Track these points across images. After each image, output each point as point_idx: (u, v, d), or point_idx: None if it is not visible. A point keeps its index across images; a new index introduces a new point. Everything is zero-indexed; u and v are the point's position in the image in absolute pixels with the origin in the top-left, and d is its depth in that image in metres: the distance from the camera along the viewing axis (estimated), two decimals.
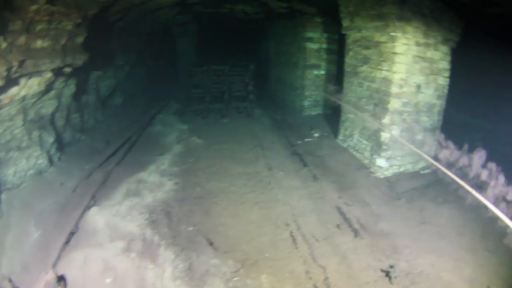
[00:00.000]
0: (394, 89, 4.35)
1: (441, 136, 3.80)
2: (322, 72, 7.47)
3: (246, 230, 3.46)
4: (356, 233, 3.46)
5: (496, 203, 2.80)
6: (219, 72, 8.05)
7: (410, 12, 4.08)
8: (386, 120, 4.47)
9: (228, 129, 6.74)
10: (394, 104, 4.42)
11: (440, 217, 3.73)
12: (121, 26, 6.01)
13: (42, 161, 4.23)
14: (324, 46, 7.32)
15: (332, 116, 6.55)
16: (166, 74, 10.26)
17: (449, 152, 3.59)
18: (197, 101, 7.88)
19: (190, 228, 3.37)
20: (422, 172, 4.75)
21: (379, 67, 4.58)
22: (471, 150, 3.37)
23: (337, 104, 5.79)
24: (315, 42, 7.26)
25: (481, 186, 3.03)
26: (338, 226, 3.59)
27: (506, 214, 2.53)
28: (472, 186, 2.99)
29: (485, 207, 2.58)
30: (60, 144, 4.78)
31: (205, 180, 4.41)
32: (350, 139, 5.44)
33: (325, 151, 5.51)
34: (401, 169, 4.75)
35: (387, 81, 4.43)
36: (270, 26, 9.60)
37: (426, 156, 3.79)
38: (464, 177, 3.27)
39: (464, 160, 3.33)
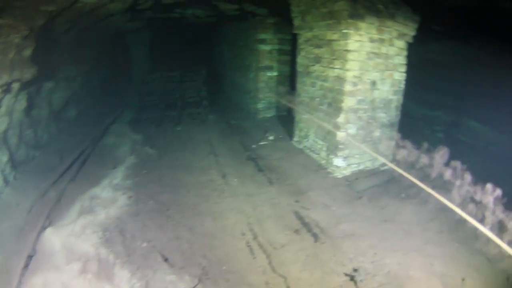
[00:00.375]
0: (347, 87, 4.25)
1: (398, 136, 3.73)
2: (275, 73, 7.37)
3: (201, 243, 3.24)
4: (316, 237, 3.29)
5: (463, 204, 2.70)
6: (171, 79, 7.85)
7: (363, 8, 4.02)
8: (340, 119, 4.37)
9: (181, 136, 6.47)
10: (348, 102, 4.33)
11: (404, 213, 3.66)
12: (71, 35, 5.64)
13: None
14: (277, 47, 7.22)
15: (287, 118, 6.46)
16: (120, 82, 9.87)
17: (407, 152, 3.51)
18: (151, 109, 7.63)
19: (145, 245, 3.15)
20: (382, 168, 4.71)
21: (331, 66, 4.48)
22: (434, 145, 3.29)
23: (291, 106, 5.69)
24: (268, 44, 7.15)
25: (445, 187, 2.93)
26: (296, 231, 3.39)
27: (475, 216, 2.41)
28: (435, 187, 2.88)
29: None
30: (15, 163, 4.41)
31: (158, 192, 4.16)
32: (306, 140, 5.31)
33: (280, 154, 5.37)
34: (360, 167, 4.68)
35: (340, 79, 4.33)
36: (222, 29, 9.46)
37: (381, 158, 3.72)
38: (426, 177, 3.18)
39: (424, 160, 3.25)
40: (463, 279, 2.71)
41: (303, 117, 5.33)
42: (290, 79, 7.19)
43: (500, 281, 2.78)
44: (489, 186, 2.70)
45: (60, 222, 3.48)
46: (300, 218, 3.63)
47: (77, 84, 6.81)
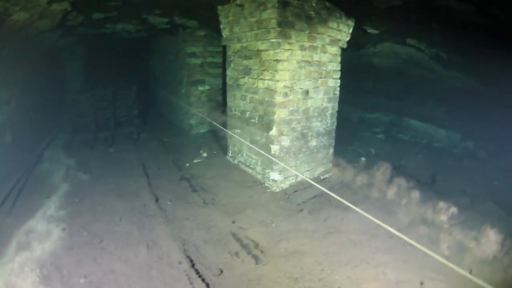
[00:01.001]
0: (278, 99, 4.14)
1: (330, 152, 3.54)
2: (207, 87, 7.20)
3: (138, 275, 2.95)
4: (256, 259, 3.05)
5: (412, 226, 2.53)
6: (103, 98, 7.34)
7: (292, 15, 3.94)
8: (273, 131, 4.24)
9: (114, 159, 6.06)
10: (281, 113, 4.21)
11: (348, 222, 3.57)
12: (2, 55, 5.11)
13: None
14: (208, 60, 7.09)
15: (221, 133, 6.26)
16: (56, 103, 9.10)
17: (340, 170, 3.34)
18: (84, 130, 7.09)
19: (82, 281, 2.92)
20: (322, 177, 4.63)
21: (261, 77, 4.35)
22: (375, 146, 3.19)
23: (224, 120, 5.49)
24: (198, 57, 6.99)
25: (389, 206, 2.76)
26: (236, 254, 3.13)
27: (429, 238, 2.22)
28: (379, 209, 2.69)
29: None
30: None
31: (91, 222, 3.82)
32: (240, 155, 5.11)
33: (215, 172, 5.13)
34: (299, 179, 4.54)
35: (270, 90, 4.21)
36: (154, 44, 9.18)
37: (313, 182, 3.60)
38: (366, 198, 2.99)
39: (362, 178, 3.11)
40: (421, 283, 2.65)
41: (235, 131, 5.13)
42: (222, 93, 7.07)
43: (462, 277, 2.70)
44: (442, 204, 2.57)
45: (0, 261, 3.24)
46: (238, 239, 3.39)
47: (12, 107, 6.24)
